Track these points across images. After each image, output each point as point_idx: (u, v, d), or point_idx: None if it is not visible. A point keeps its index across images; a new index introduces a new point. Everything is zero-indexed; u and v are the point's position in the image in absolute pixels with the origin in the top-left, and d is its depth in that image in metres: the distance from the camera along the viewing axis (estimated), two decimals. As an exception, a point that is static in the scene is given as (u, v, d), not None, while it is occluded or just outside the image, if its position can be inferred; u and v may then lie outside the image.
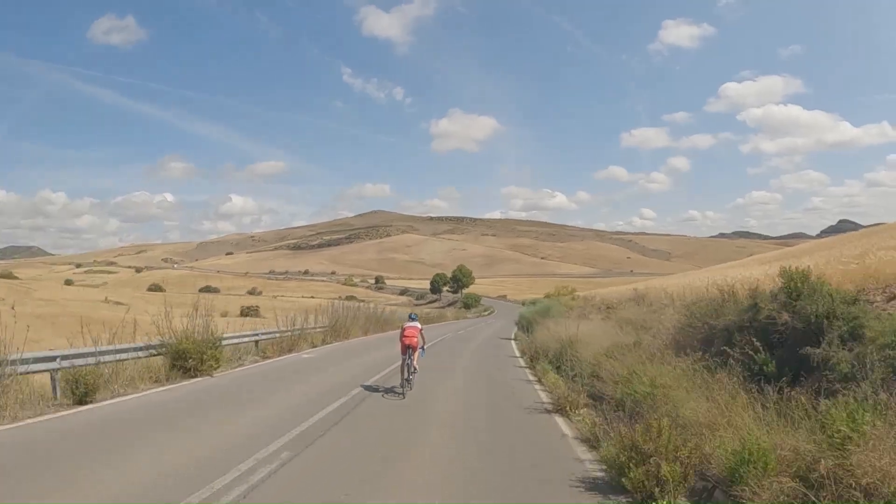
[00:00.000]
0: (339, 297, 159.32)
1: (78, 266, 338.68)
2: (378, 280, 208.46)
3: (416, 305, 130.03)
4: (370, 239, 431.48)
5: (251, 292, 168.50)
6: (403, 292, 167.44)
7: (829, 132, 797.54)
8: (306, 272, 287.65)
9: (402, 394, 13.10)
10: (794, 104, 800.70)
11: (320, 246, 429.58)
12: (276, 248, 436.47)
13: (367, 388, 13.73)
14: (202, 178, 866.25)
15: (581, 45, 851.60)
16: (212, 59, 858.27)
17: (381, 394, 13.18)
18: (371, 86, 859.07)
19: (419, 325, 14.30)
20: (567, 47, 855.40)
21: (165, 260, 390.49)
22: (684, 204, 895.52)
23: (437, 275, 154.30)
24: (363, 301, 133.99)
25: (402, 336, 13.83)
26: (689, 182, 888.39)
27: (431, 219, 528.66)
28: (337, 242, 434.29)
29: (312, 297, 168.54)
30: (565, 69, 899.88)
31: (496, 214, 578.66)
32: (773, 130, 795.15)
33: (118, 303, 79.90)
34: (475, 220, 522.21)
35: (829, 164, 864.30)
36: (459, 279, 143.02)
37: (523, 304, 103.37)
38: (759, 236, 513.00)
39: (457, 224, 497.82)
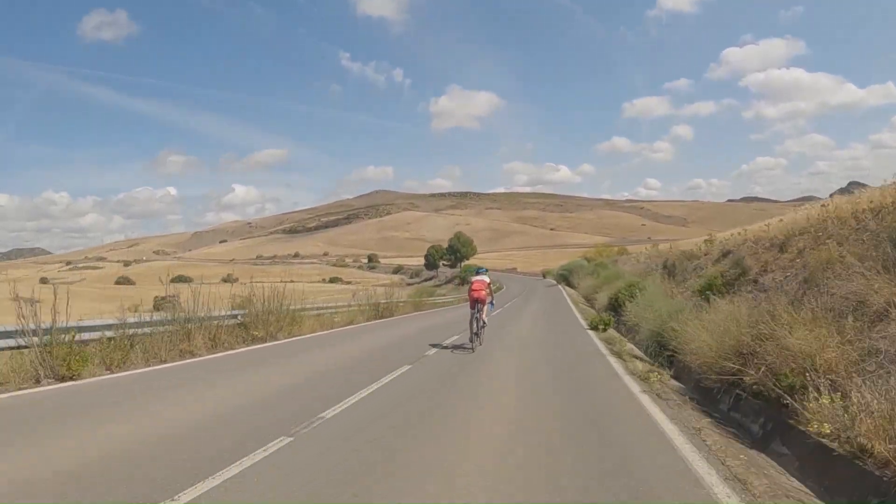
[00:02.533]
0: (323, 279, 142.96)
1: (68, 263, 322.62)
2: (371, 259, 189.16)
3: (409, 284, 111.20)
4: (369, 218, 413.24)
5: (226, 280, 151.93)
6: (397, 270, 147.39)
7: (832, 94, 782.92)
8: (296, 255, 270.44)
9: (472, 348, 13.19)
10: (796, 67, 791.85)
11: (317, 228, 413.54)
12: (270, 234, 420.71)
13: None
14: (203, 171, 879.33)
15: (579, 14, 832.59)
16: (206, 50, 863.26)
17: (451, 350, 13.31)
18: (370, 69, 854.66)
19: (487, 279, 14.28)
20: (565, 16, 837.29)
21: (157, 252, 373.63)
22: (689, 172, 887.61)
23: (433, 247, 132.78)
24: (349, 283, 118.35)
25: (470, 290, 13.97)
26: (692, 150, 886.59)
27: (433, 195, 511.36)
28: (335, 224, 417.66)
29: (292, 281, 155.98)
30: (563, 39, 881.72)
31: (500, 190, 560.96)
32: (776, 95, 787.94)
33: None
34: (479, 194, 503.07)
35: (834, 127, 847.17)
36: (457, 250, 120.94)
37: (544, 275, 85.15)
38: (770, 201, 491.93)
39: (460, 199, 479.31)
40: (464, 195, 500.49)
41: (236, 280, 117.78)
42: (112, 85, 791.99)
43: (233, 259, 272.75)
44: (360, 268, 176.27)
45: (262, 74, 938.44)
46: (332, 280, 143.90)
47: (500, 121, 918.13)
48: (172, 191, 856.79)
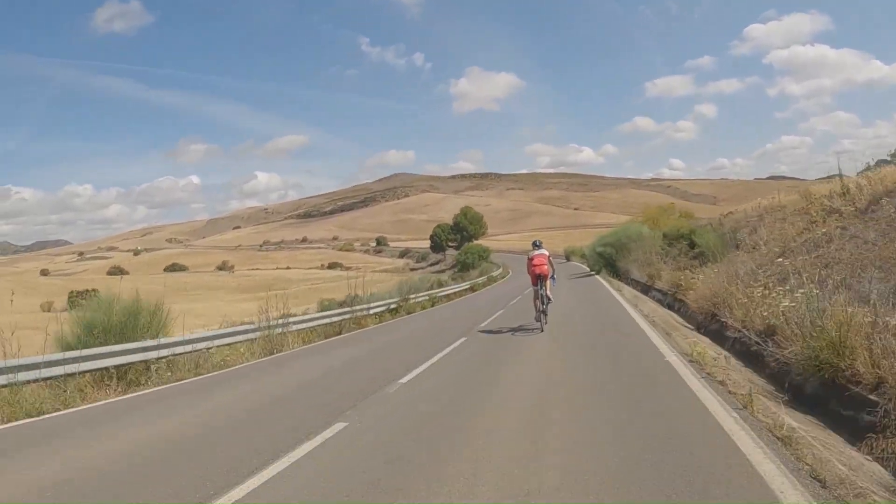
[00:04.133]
0: (322, 265, 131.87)
1: (81, 254, 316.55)
2: (379, 242, 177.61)
3: (413, 270, 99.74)
4: (386, 201, 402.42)
5: (220, 268, 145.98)
6: (404, 254, 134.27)
7: (858, 71, 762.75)
8: (304, 239, 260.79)
9: (540, 328, 13.19)
10: (821, 43, 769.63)
11: (332, 212, 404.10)
12: (285, 219, 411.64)
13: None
14: (224, 159, 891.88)
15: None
16: (222, 39, 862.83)
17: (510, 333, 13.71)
18: (389, 53, 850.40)
19: (546, 252, 14.18)
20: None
21: (170, 240, 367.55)
22: (713, 151, 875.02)
23: (439, 227, 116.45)
24: (349, 268, 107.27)
25: (531, 266, 13.88)
26: (716, 129, 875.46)
27: (454, 177, 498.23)
28: (350, 208, 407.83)
29: (288, 267, 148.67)
30: (583, 18, 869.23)
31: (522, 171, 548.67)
32: (800, 72, 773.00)
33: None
34: (500, 175, 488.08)
35: (859, 104, 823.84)
36: (464, 229, 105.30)
37: (567, 257, 71.45)
38: (798, 179, 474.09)
39: (480, 181, 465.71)
40: (484, 176, 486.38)
41: (232, 268, 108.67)
42: (129, 76, 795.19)
43: (239, 245, 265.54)
44: (366, 252, 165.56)
45: (281, 62, 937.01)
46: (331, 266, 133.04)
47: (521, 102, 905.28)
48: (195, 179, 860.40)
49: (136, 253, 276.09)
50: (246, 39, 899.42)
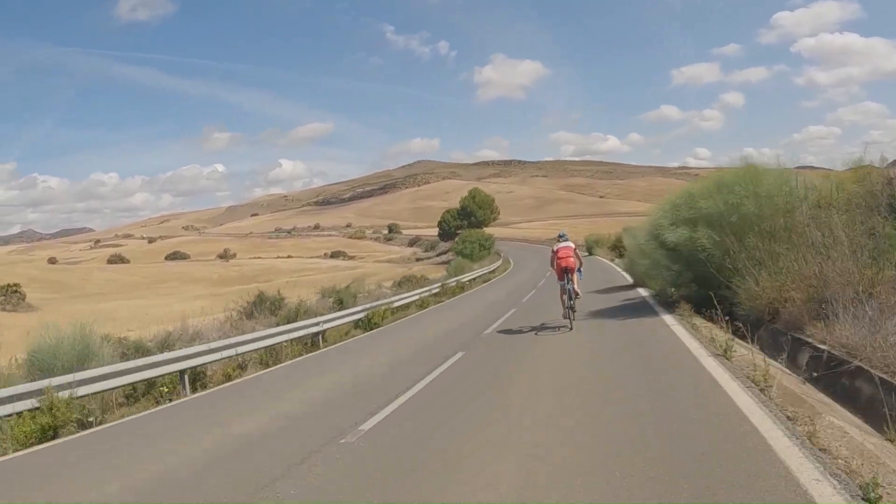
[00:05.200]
0: (325, 254, 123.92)
1: (97, 242, 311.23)
2: (391, 230, 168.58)
3: (419, 260, 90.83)
4: (406, 188, 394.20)
5: (222, 256, 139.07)
6: (413, 242, 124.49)
7: (887, 60, 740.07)
8: (316, 226, 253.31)
9: (568, 325, 12.74)
10: (849, 31, 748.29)
11: (351, 199, 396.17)
12: (302, 207, 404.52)
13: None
14: (248, 147, 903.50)
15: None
16: (244, 27, 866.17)
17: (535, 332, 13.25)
18: (414, 41, 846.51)
19: (573, 245, 13.65)
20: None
21: (186, 228, 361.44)
22: (739, 141, 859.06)
23: (448, 212, 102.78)
24: (353, 258, 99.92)
25: (556, 258, 13.40)
26: (742, 118, 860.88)
27: (477, 164, 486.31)
28: (370, 194, 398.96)
29: (290, 256, 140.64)
30: (609, 5, 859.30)
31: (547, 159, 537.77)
32: (828, 61, 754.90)
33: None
34: (524, 162, 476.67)
35: (888, 94, 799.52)
36: (472, 213, 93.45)
37: (590, 249, 54.39)
38: (827, 170, 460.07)
39: (504, 167, 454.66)
40: (508, 163, 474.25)
41: (233, 256, 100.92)
42: (152, 65, 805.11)
43: (250, 233, 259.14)
44: (376, 240, 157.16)
45: (305, 50, 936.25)
46: (334, 255, 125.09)
47: (547, 90, 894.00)
48: (220, 167, 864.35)
49: (151, 241, 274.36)
50: (269, 27, 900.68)
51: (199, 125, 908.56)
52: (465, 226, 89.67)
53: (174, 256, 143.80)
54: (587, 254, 49.30)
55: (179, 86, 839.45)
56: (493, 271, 43.85)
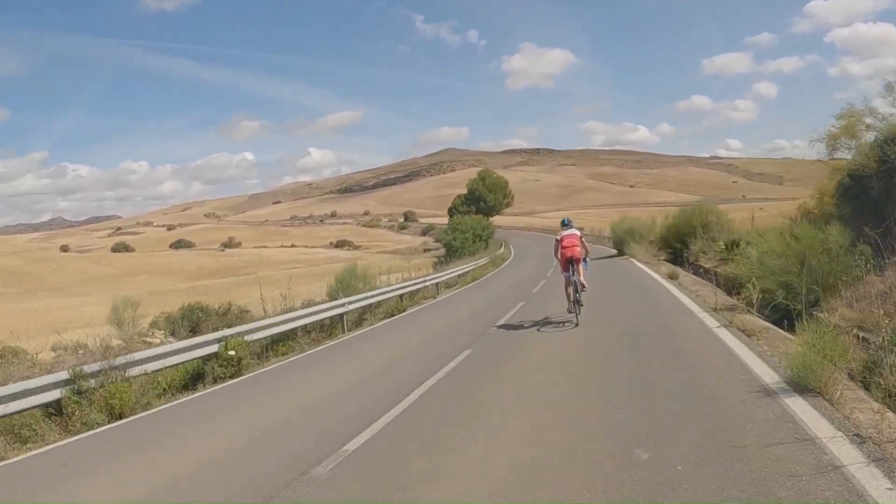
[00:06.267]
0: (331, 243, 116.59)
1: (118, 229, 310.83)
2: (407, 218, 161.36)
3: (427, 251, 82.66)
4: (431, 176, 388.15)
5: (226, 245, 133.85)
6: (427, 231, 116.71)
7: None
8: (333, 214, 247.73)
9: (574, 321, 11.90)
10: (884, 21, 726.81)
11: (374, 187, 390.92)
12: (325, 194, 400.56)
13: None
14: (277, 135, 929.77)
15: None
16: (271, 16, 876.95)
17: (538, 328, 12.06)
18: (444, 30, 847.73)
19: (578, 232, 12.68)
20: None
21: (207, 216, 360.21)
22: (771, 132, 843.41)
23: (458, 197, 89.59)
24: (358, 247, 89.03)
25: (561, 248, 12.47)
26: (774, 109, 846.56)
27: (504, 152, 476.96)
28: (394, 182, 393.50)
29: (293, 245, 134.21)
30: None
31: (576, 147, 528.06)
32: (863, 51, 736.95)
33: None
34: (552, 151, 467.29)
35: None
36: (481, 198, 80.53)
37: (619, 247, 34.54)
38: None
39: (531, 156, 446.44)
40: (536, 152, 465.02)
41: (238, 245, 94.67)
42: (180, 55, 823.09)
43: (266, 220, 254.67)
44: (390, 228, 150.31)
45: (333, 39, 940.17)
46: (339, 245, 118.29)
47: (576, 79, 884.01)
48: (249, 156, 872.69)
49: (171, 228, 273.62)
50: (296, 15, 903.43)
51: (227, 114, 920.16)
52: (474, 212, 75.29)
53: (179, 245, 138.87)
54: (616, 252, 33.74)
55: (208, 75, 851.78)
56: (483, 266, 35.19)
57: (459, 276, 29.28)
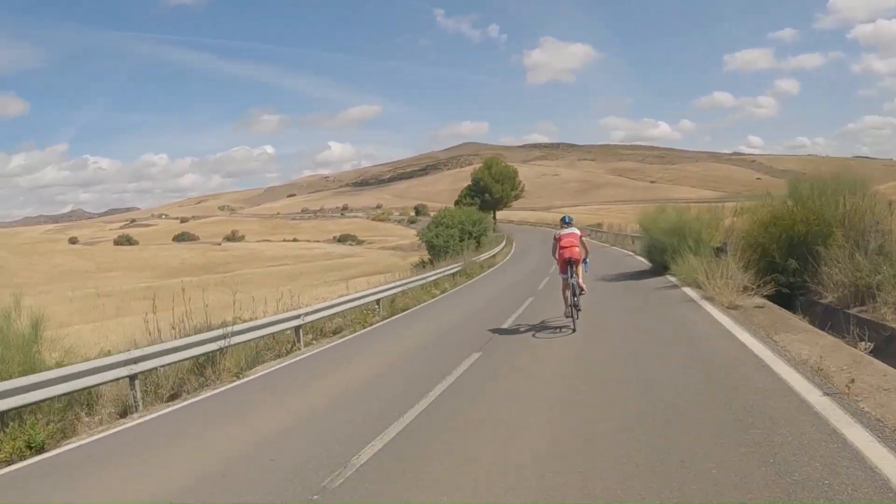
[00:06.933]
0: (334, 237, 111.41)
1: (132, 221, 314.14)
2: (418, 211, 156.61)
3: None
4: (448, 170, 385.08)
5: (229, 238, 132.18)
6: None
7: None
8: (345, 207, 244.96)
9: (571, 326, 10.97)
10: None
11: (391, 180, 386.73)
12: (340, 187, 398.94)
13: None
14: (297, 129, 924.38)
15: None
16: (291, 9, 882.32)
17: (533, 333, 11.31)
18: (465, 24, 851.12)
19: (578, 232, 11.69)
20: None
21: (222, 208, 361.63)
22: (792, 129, 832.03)
23: (466, 188, 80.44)
24: (362, 242, 79.67)
25: (559, 247, 11.54)
26: (796, 106, 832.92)
27: (523, 147, 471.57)
28: (410, 176, 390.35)
29: (295, 240, 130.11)
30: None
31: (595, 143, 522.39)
32: (886, 48, 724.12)
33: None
34: (572, 145, 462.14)
35: None
36: (486, 189, 72.39)
37: (645, 251, 25.44)
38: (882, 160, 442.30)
39: (551, 150, 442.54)
40: (555, 146, 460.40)
41: (241, 238, 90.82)
42: (200, 49, 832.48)
43: (277, 213, 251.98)
44: (400, 222, 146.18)
45: (353, 33, 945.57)
46: (342, 239, 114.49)
47: (597, 74, 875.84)
48: (269, 149, 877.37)
49: (184, 220, 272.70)
50: (317, 10, 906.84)
51: (248, 107, 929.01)
52: (478, 205, 67.83)
53: (182, 238, 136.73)
54: (648, 266, 21.42)
55: (228, 68, 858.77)
56: (454, 274, 26.68)
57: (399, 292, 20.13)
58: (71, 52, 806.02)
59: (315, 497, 5.10)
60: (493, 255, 38.23)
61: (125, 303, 38.08)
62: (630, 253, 29.54)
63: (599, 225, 60.02)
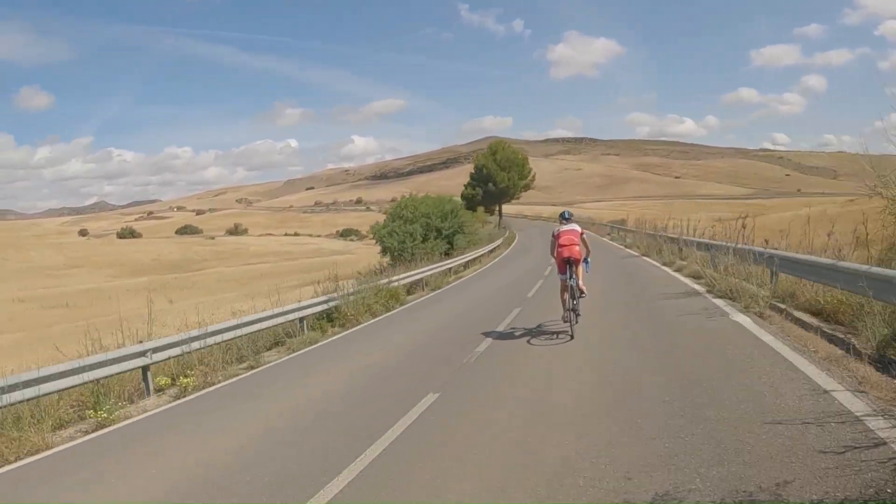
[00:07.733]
0: (336, 231, 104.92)
1: (150, 213, 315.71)
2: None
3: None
4: (469, 163, 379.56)
5: (231, 232, 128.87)
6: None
7: None
8: (359, 201, 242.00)
9: (569, 332, 9.84)
10: None
11: (410, 174, 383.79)
12: (358, 181, 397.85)
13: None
14: (321, 122, 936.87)
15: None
16: (315, 4, 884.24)
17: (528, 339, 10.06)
18: (489, 19, 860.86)
19: (579, 229, 10.54)
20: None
21: (239, 201, 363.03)
22: (819, 127, 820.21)
23: (470, 177, 69.16)
24: (364, 237, 74.27)
25: (558, 246, 10.39)
26: (823, 102, 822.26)
27: (546, 141, 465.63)
28: (430, 169, 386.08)
29: (296, 234, 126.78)
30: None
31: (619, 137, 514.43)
32: None
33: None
34: (595, 140, 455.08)
35: None
36: (490, 177, 61.17)
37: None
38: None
39: (574, 145, 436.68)
40: (579, 141, 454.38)
41: (244, 232, 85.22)
42: (225, 43, 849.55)
43: (290, 206, 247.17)
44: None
45: (376, 26, 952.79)
46: (345, 233, 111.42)
47: (621, 69, 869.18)
48: (293, 143, 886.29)
49: (199, 213, 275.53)
50: (342, 4, 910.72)
51: (272, 101, 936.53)
52: (481, 193, 59.35)
53: (185, 231, 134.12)
54: (721, 304, 11.68)
55: (252, 62, 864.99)
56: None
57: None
58: (96, 46, 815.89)
59: None
60: (467, 263, 28.61)
61: (33, 312, 33.45)
62: (671, 273, 17.62)
63: (623, 220, 50.25)
